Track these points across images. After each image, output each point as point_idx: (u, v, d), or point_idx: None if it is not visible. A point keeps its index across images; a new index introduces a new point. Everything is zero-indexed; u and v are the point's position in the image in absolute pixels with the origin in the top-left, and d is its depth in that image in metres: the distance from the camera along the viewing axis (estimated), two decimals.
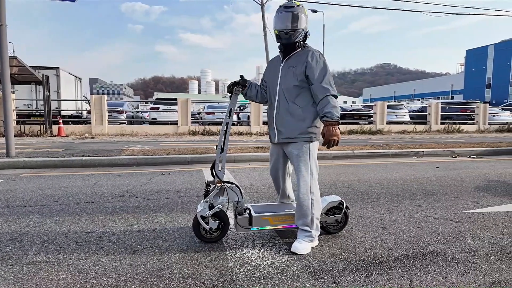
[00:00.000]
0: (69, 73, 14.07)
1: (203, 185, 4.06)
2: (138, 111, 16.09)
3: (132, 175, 4.83)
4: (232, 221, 2.36)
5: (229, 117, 2.18)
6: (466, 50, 56.14)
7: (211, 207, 2.17)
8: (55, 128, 10.58)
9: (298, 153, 2.13)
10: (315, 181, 2.15)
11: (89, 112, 11.91)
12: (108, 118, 11.66)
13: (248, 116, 13.86)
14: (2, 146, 6.39)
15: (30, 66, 10.18)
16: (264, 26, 7.23)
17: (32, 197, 3.45)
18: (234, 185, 2.22)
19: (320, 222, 2.23)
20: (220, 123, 13.34)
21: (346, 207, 2.40)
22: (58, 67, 12.84)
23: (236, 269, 1.84)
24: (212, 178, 2.21)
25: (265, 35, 7.25)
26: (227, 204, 2.20)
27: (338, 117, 2.01)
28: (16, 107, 11.90)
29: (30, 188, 3.87)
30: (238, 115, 15.49)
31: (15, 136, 10.05)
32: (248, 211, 2.24)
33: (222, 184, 2.17)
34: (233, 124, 13.75)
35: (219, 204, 2.18)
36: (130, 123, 13.31)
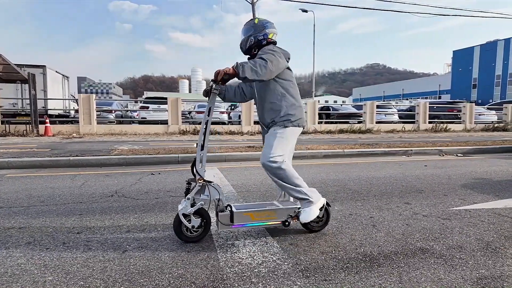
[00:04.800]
0: (56, 71, 13.78)
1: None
2: (128, 111, 15.88)
3: (121, 175, 4.76)
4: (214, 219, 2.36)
5: (208, 115, 2.22)
6: (453, 51, 57.33)
7: (193, 204, 2.18)
8: (41, 127, 10.36)
9: (272, 132, 2.32)
10: (285, 154, 2.25)
11: (77, 111, 11.71)
12: (97, 118, 11.48)
13: (239, 116, 13.84)
14: None
15: (15, 64, 9.93)
16: None
17: (17, 198, 3.37)
18: (215, 183, 2.26)
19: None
20: (211, 123, 13.29)
21: (327, 204, 2.43)
22: (44, 66, 12.56)
23: (227, 268, 1.83)
24: (193, 176, 2.22)
25: None
26: (208, 202, 2.20)
27: (242, 70, 2.05)
28: (1, 106, 11.61)
29: (15, 189, 3.77)
30: (229, 115, 15.46)
31: (0, 136, 9.81)
32: (229, 208, 2.23)
33: (204, 181, 2.18)
34: (223, 123, 13.76)
35: (201, 201, 2.19)
36: (119, 123, 13.13)
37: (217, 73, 2.11)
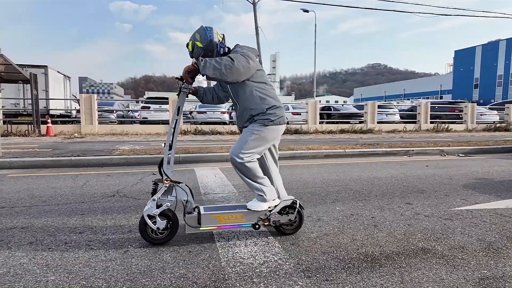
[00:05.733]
0: (58, 71, 13.82)
1: (196, 184, 4.05)
2: (129, 111, 15.90)
3: (123, 175, 4.77)
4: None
5: (178, 115, 2.18)
6: (455, 51, 57.17)
7: (158, 205, 2.12)
8: (43, 127, 10.38)
9: (250, 129, 2.27)
10: (251, 152, 2.21)
11: (78, 111, 11.73)
12: (98, 118, 11.50)
13: None
14: None
15: (17, 65, 9.96)
16: (256, 25, 7.21)
17: (19, 198, 3.38)
18: (184, 184, 2.23)
19: (273, 222, 2.28)
20: (212, 123, 13.29)
21: (300, 206, 2.37)
22: (46, 66, 12.60)
23: (229, 268, 1.84)
24: (160, 177, 2.19)
25: (257, 34, 7.23)
26: (175, 203, 2.17)
27: (199, 67, 2.06)
28: (2, 106, 11.64)
29: (17, 189, 3.78)
30: (230, 115, 15.46)
31: (2, 136, 9.83)
32: (197, 210, 2.20)
33: (170, 182, 2.15)
34: (224, 123, 13.76)
35: (167, 203, 2.15)
36: (121, 123, 13.15)
37: (184, 71, 2.13)
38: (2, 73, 10.11)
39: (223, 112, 14.54)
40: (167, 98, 12.53)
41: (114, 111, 12.93)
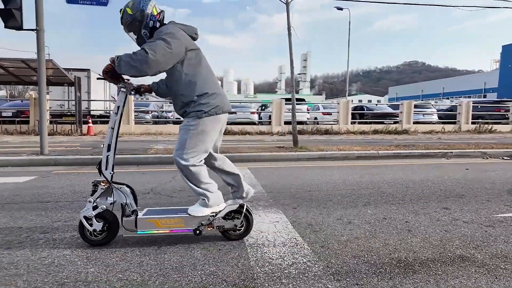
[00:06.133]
0: (100, 74, 14.64)
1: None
2: (163, 111, 16.50)
3: (157, 173, 4.97)
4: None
5: (117, 115, 2.14)
6: (503, 46, 53.08)
7: (95, 207, 2.09)
8: (84, 127, 11.06)
9: (185, 125, 2.14)
10: (198, 154, 2.13)
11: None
12: (135, 118, 12.04)
13: (270, 116, 13.87)
14: (36, 145, 6.76)
15: (63, 68, 10.70)
16: (288, 25, 7.17)
17: (63, 193, 3.63)
18: (124, 185, 2.18)
19: (217, 227, 2.19)
20: (241, 123, 13.42)
21: (248, 211, 2.25)
22: (89, 69, 13.42)
23: (257, 267, 1.85)
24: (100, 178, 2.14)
25: (289, 34, 7.19)
26: (112, 205, 2.11)
27: (119, 66, 1.98)
28: (49, 107, 12.56)
29: (61, 185, 4.07)
30: (259, 115, 15.53)
31: (48, 135, 10.60)
32: (135, 214, 2.13)
33: (108, 184, 2.11)
34: (253, 123, 13.85)
35: (102, 205, 2.09)
36: (155, 123, 13.69)
37: (103, 72, 2.08)
38: (51, 77, 10.91)
39: (252, 113, 14.65)
40: None
41: (150, 111, 13.48)
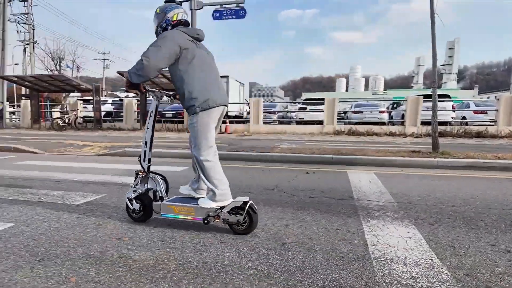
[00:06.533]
0: (236, 80, 16.59)
1: (348, 188, 3.97)
2: (288, 112, 17.22)
3: (280, 171, 5.23)
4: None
5: (149, 118, 2.58)
6: None
7: (134, 191, 2.56)
8: (223, 126, 12.70)
9: (189, 123, 2.43)
10: (206, 152, 2.43)
11: (248, 112, 13.66)
12: (263, 118, 13.01)
13: (403, 115, 12.51)
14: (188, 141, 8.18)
15: None
16: (432, 12, 6.17)
17: None
18: (159, 175, 2.63)
19: (223, 220, 2.38)
20: (368, 123, 12.60)
21: (252, 209, 2.36)
22: (227, 76, 15.35)
23: (384, 284, 1.72)
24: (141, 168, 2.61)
25: (432, 22, 6.18)
26: (147, 189, 2.59)
27: (130, 78, 2.30)
28: None
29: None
30: (390, 114, 14.21)
31: None
32: (162, 200, 2.54)
33: (145, 174, 2.59)
34: (383, 123, 12.75)
35: (139, 190, 2.57)
36: (281, 123, 14.43)
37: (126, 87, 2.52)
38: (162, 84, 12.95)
39: (381, 111, 13.54)
40: (323, 99, 12.79)
41: (276, 112, 14.31)
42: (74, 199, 3.39)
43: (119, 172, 4.99)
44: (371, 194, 3.68)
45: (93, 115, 14.83)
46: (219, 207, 2.40)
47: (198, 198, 2.54)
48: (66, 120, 13.92)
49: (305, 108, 14.01)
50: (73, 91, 16.20)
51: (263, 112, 13.11)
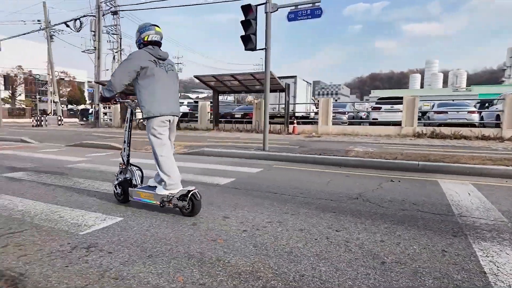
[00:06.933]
0: (303, 79, 16.38)
1: (444, 201, 3.56)
2: (358, 112, 16.39)
3: (360, 177, 4.95)
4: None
5: (126, 122, 3.29)
6: None
7: (118, 179, 3.31)
8: (290, 127, 12.64)
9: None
10: (158, 149, 2.99)
11: (316, 113, 13.37)
12: (332, 119, 12.59)
13: (497, 116, 10.93)
14: (258, 141, 8.31)
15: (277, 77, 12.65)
16: None
17: (284, 186, 4.25)
18: (136, 167, 3.33)
19: (174, 204, 2.92)
20: (454, 124, 11.27)
21: (194, 196, 2.89)
22: (295, 76, 15.23)
23: None
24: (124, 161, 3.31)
25: None
26: (126, 178, 3.30)
27: (103, 93, 2.98)
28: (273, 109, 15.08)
29: (281, 179, 4.79)
30: (480, 114, 12.52)
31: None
32: (134, 187, 3.24)
33: (124, 166, 3.29)
34: (473, 125, 11.24)
35: (120, 178, 3.29)
36: (351, 123, 13.79)
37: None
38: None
39: (471, 112, 11.98)
40: (400, 98, 11.83)
41: (346, 112, 13.72)
42: None
43: (200, 171, 5.27)
44: (475, 210, 3.24)
45: None
46: (171, 194, 2.96)
47: (155, 187, 3.15)
48: None
49: (380, 108, 13.14)
50: None
51: (333, 113, 12.68)
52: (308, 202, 3.53)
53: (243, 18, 7.19)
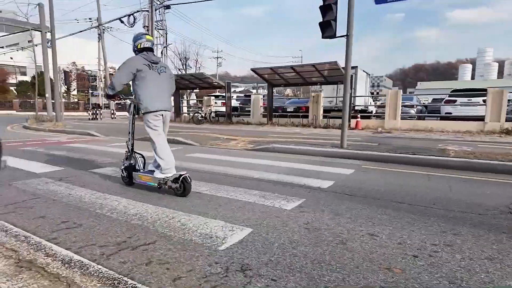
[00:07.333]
0: (363, 70, 15.36)
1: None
2: (425, 105, 15.05)
3: (482, 183, 4.21)
4: None
5: (130, 114, 3.75)
6: None
7: (124, 165, 3.77)
8: (352, 121, 11.82)
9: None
10: (155, 138, 3.48)
11: (380, 106, 12.40)
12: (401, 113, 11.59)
13: None
14: (324, 138, 7.68)
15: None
16: None
17: (399, 192, 3.64)
18: (139, 154, 3.82)
19: (168, 186, 3.39)
20: None
21: (185, 179, 3.34)
22: (357, 66, 14.26)
23: None
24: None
25: None
26: (130, 163, 3.78)
27: (107, 91, 3.59)
28: (330, 103, 14.35)
29: (386, 182, 4.18)
30: None
31: (323, 128, 12.18)
32: (137, 171, 3.74)
33: (128, 153, 3.77)
34: None
35: (125, 164, 3.75)
36: (418, 118, 12.64)
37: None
38: (327, 76, 12.40)
39: None
40: (481, 90, 10.53)
41: (414, 106, 12.59)
42: (279, 202, 3.25)
43: (287, 171, 4.82)
44: None
45: (221, 110, 15.96)
46: (166, 177, 3.38)
47: (154, 171, 3.58)
48: (203, 115, 15.36)
49: (454, 101, 11.85)
50: (208, 88, 17.77)
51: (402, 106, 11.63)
52: (456, 217, 2.90)
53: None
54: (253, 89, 53.92)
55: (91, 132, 10.85)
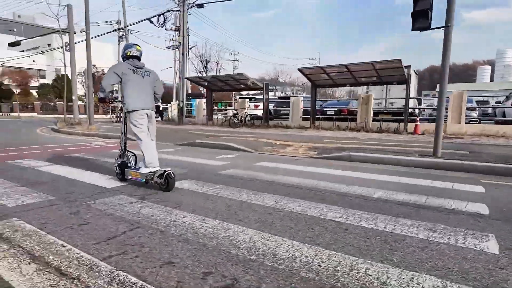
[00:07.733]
0: (414, 70, 14.31)
1: None
2: (488, 108, 13.85)
3: None
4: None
5: (122, 117, 4.10)
6: None
7: (117, 162, 4.12)
8: (412, 125, 10.80)
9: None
10: (139, 135, 3.82)
11: (434, 109, 11.30)
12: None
13: None
14: (386, 144, 6.70)
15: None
16: None
17: None
18: (131, 153, 4.15)
19: (154, 181, 3.66)
20: None
21: (168, 175, 3.59)
22: (409, 66, 13.21)
23: None
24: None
25: None
26: (123, 161, 4.11)
27: (98, 95, 3.92)
28: (381, 104, 13.26)
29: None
30: None
31: (376, 132, 11.19)
32: (128, 168, 4.04)
33: (122, 151, 4.11)
34: None
35: (119, 161, 4.11)
36: (479, 122, 11.54)
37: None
38: (382, 76, 11.38)
39: None
40: None
41: (476, 108, 11.50)
42: (463, 239, 2.36)
43: (398, 187, 3.92)
44: None
45: (256, 113, 15.13)
46: (152, 173, 3.69)
47: (141, 167, 3.87)
48: (239, 118, 14.56)
49: None
50: (245, 90, 16.96)
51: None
52: None
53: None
54: (271, 91, 53.04)
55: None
